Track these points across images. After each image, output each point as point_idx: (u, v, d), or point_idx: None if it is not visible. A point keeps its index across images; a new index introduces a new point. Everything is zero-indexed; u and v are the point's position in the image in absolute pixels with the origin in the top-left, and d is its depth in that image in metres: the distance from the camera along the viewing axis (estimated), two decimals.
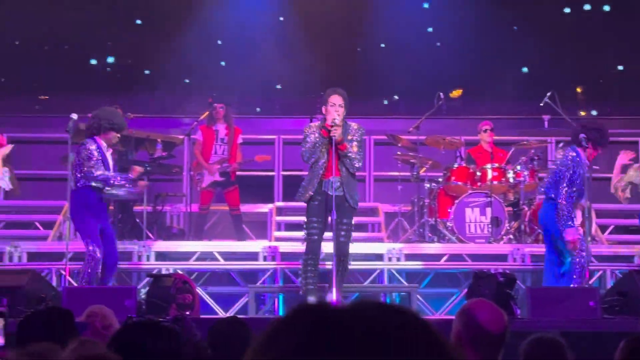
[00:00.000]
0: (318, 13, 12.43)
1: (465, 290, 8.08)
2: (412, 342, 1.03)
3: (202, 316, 7.59)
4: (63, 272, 8.41)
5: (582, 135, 7.64)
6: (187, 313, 7.26)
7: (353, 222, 7.58)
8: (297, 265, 8.02)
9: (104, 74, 13.14)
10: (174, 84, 12.49)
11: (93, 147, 7.70)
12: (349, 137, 7.31)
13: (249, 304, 8.51)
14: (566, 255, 7.65)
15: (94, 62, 13.02)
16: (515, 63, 12.79)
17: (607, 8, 13.20)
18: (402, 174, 10.21)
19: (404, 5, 12.83)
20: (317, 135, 7.29)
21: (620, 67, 13.37)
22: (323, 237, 7.46)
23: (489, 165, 9.62)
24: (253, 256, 9.34)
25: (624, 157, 9.26)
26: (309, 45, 12.43)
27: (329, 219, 7.29)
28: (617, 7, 13.18)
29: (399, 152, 10.18)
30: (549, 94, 9.96)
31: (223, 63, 12.86)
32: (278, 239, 10.09)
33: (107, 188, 7.74)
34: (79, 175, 7.68)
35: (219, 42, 12.78)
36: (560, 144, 9.62)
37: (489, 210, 9.32)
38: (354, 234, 10.73)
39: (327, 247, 7.59)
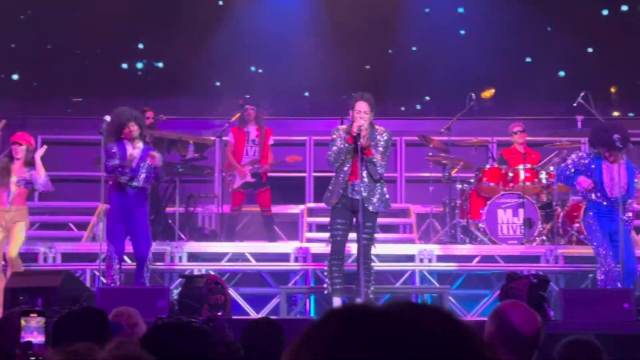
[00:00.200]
0: (349, 16, 12.41)
1: (498, 292, 8.03)
2: (448, 342, 1.03)
3: (234, 317, 7.62)
4: (97, 273, 8.49)
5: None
6: (219, 314, 7.29)
7: (376, 225, 7.64)
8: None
9: (136, 77, 13.23)
10: (206, 86, 12.55)
11: (114, 144, 7.96)
12: (374, 143, 7.36)
13: (280, 304, 8.53)
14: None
15: (124, 66, 13.12)
16: (548, 63, 12.68)
17: None
18: (433, 175, 10.17)
19: (437, 9, 12.77)
20: (343, 140, 7.34)
21: None
22: (348, 239, 7.54)
23: (521, 166, 9.56)
24: (284, 257, 9.35)
25: None
26: (340, 47, 12.43)
27: (354, 220, 7.37)
28: None
29: (430, 153, 10.14)
30: (582, 94, 9.87)
31: (253, 68, 12.90)
32: (309, 240, 10.10)
33: (133, 184, 7.88)
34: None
35: (250, 45, 12.81)
36: None
37: (521, 211, 9.26)
38: (386, 235, 10.79)
39: (353, 249, 7.64)
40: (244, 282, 9.47)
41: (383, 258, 9.19)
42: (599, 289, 7.63)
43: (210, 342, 2.93)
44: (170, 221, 10.02)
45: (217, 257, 9.39)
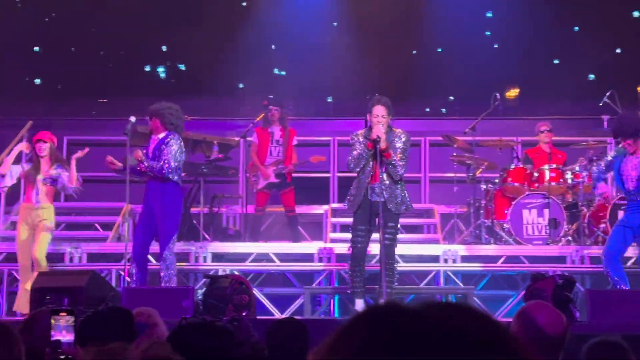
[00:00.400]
0: (373, 16, 12.39)
1: (523, 292, 7.98)
2: (482, 342, 1.02)
3: (258, 317, 7.64)
4: (122, 273, 8.54)
5: None
6: (244, 314, 7.31)
7: (399, 226, 7.69)
8: None
9: (159, 78, 13.29)
10: (229, 87, 12.57)
11: None
12: (393, 145, 7.40)
13: (304, 305, 8.53)
14: None
15: (147, 68, 13.19)
16: (574, 63, 12.58)
17: None
18: (457, 175, 10.14)
19: (462, 9, 12.70)
20: (362, 145, 7.39)
21: None
22: (369, 242, 7.61)
23: (546, 166, 9.50)
24: (308, 257, 9.36)
25: None
26: (364, 47, 12.41)
27: (376, 220, 7.41)
28: None
29: (454, 153, 10.11)
30: (608, 93, 9.80)
31: (276, 71, 12.91)
32: (333, 240, 10.10)
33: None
34: None
35: (273, 45, 12.83)
36: None
37: (546, 211, 9.20)
38: (410, 236, 10.77)
39: (377, 249, 7.65)
40: (268, 283, 9.49)
41: (407, 258, 9.17)
42: (626, 289, 7.56)
43: (235, 342, 2.93)
44: (194, 221, 10.05)
45: (241, 257, 9.42)
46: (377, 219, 7.39)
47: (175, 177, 7.78)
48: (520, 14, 12.63)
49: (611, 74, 12.22)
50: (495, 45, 12.88)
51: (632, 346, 3.51)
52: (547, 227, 9.21)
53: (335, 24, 12.96)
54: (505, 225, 9.38)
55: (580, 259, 8.98)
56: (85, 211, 11.66)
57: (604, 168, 8.14)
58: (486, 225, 9.56)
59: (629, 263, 8.81)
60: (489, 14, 13.01)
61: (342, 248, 9.16)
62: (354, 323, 1.05)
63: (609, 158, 8.12)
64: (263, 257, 9.44)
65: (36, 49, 12.98)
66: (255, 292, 8.32)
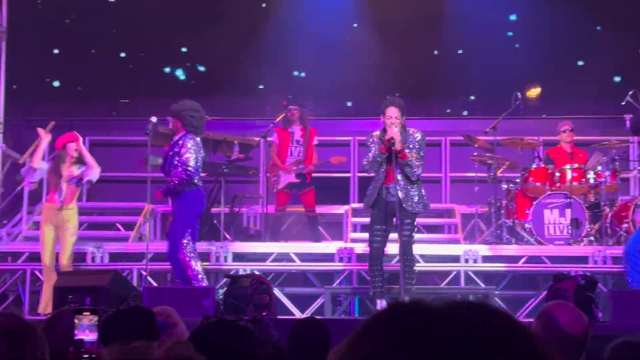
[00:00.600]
0: (394, 16, 12.36)
1: (544, 293, 7.94)
2: (503, 342, 1.01)
3: (278, 317, 7.65)
4: (144, 273, 8.58)
5: None
6: (265, 313, 7.32)
7: (415, 224, 7.71)
8: None
9: (180, 80, 13.34)
10: (250, 88, 12.60)
11: None
12: (410, 146, 7.39)
13: (325, 304, 8.54)
14: None
15: (167, 70, 13.24)
16: (597, 63, 12.50)
17: None
18: (478, 174, 10.10)
19: (484, 11, 12.64)
20: (377, 147, 7.44)
21: None
22: (387, 242, 7.63)
23: (568, 166, 9.45)
24: (329, 257, 9.36)
25: None
26: (385, 47, 12.40)
27: (394, 220, 7.45)
28: None
29: (475, 153, 10.07)
30: (630, 92, 9.72)
31: (296, 73, 12.93)
32: (353, 240, 10.09)
33: None
34: None
35: (293, 46, 12.84)
36: None
37: (568, 211, 9.15)
38: (431, 236, 10.75)
39: (394, 249, 7.66)
40: (289, 282, 9.50)
41: (428, 258, 9.15)
42: None
43: (256, 342, 2.94)
44: (215, 221, 10.09)
45: (261, 257, 9.44)
46: (394, 219, 7.41)
47: (196, 179, 7.76)
48: (541, 14, 12.56)
49: (634, 74, 12.12)
50: (517, 46, 12.81)
51: None
52: (569, 227, 9.16)
53: (355, 25, 12.94)
54: (526, 225, 9.33)
55: (603, 259, 8.92)
56: (107, 211, 11.73)
57: None
58: (507, 225, 9.52)
59: None
60: (513, 17, 12.94)
61: (362, 248, 9.15)
62: (373, 322, 1.05)
63: None
64: (283, 257, 9.45)
65: (56, 50, 13.07)
66: (276, 291, 8.33)
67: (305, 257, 9.46)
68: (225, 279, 8.56)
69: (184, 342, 2.28)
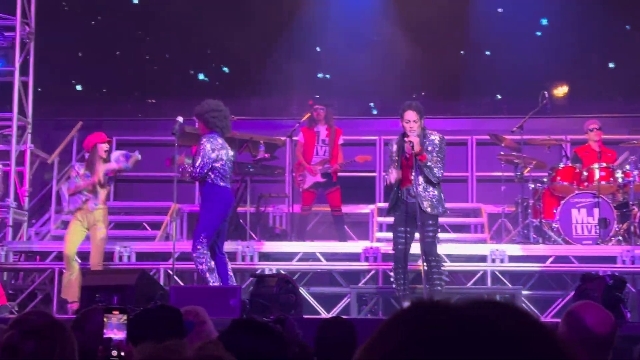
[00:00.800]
0: (420, 15, 12.32)
1: (572, 293, 7.89)
2: (528, 343, 1.01)
3: (304, 316, 7.66)
4: (171, 272, 8.63)
5: None
6: (291, 313, 7.33)
7: (438, 224, 7.70)
8: None
9: (206, 81, 13.39)
10: (275, 88, 12.61)
11: None
12: (429, 148, 7.40)
13: (350, 304, 8.54)
14: None
15: (192, 72, 13.30)
16: (625, 62, 12.39)
17: None
18: (505, 174, 10.05)
19: (512, 10, 12.55)
20: (395, 152, 7.54)
21: None
22: (411, 244, 7.63)
23: (596, 165, 9.37)
24: (354, 257, 9.36)
25: None
26: (411, 46, 12.36)
27: (416, 219, 7.45)
28: None
29: (502, 152, 10.02)
30: None
31: (320, 75, 12.93)
32: (379, 240, 10.09)
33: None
34: None
35: (318, 48, 12.85)
36: None
37: (596, 211, 9.08)
38: (457, 235, 10.71)
39: (416, 248, 7.68)
40: (315, 282, 9.51)
41: (454, 258, 9.13)
42: None
43: (284, 341, 2.95)
44: (241, 221, 10.12)
45: (287, 256, 9.46)
46: (416, 220, 7.43)
47: (212, 177, 7.70)
48: (569, 12, 12.46)
49: None
50: (543, 43, 12.73)
51: None
52: (597, 227, 9.09)
53: (382, 22, 12.92)
54: (554, 224, 9.28)
55: (631, 259, 8.85)
56: (134, 210, 11.81)
57: None
58: (534, 225, 9.47)
59: None
60: (544, 21, 12.84)
61: (388, 247, 9.14)
62: (394, 321, 1.05)
63: None
64: (309, 257, 9.46)
65: (80, 54, 13.17)
66: (302, 291, 8.34)
67: (331, 256, 9.47)
68: (251, 279, 8.58)
69: (215, 341, 2.30)
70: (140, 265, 8.99)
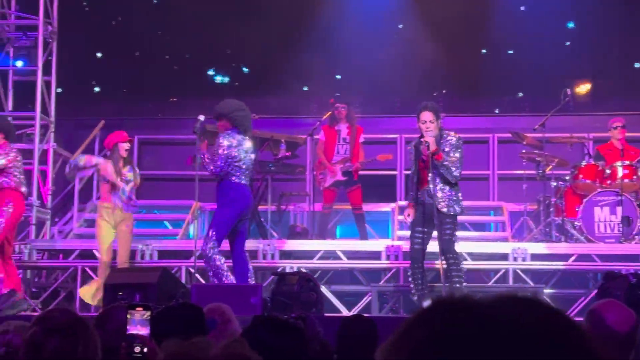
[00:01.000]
0: (441, 15, 12.28)
1: (595, 291, 7.85)
2: (555, 340, 0.99)
3: (325, 314, 7.67)
4: (192, 270, 8.66)
5: None
6: (312, 311, 7.34)
7: (457, 223, 7.69)
8: None
9: (226, 80, 13.42)
10: (296, 87, 12.62)
11: None
12: (446, 149, 7.42)
13: (372, 302, 8.54)
14: None
15: (211, 72, 13.33)
16: None
17: None
18: (527, 172, 10.01)
19: (536, 11, 12.47)
20: (413, 154, 7.57)
21: None
22: (428, 244, 7.61)
23: (619, 163, 9.31)
24: (376, 255, 9.36)
25: None
26: (431, 44, 12.32)
27: (434, 219, 7.46)
28: None
29: (524, 150, 9.98)
30: None
31: (339, 77, 12.91)
32: (400, 238, 10.08)
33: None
34: None
35: (342, 44, 12.83)
36: None
37: (619, 209, 9.02)
38: (479, 234, 10.68)
39: (434, 247, 7.67)
40: (336, 280, 9.52)
41: (476, 256, 9.10)
42: None
43: (305, 338, 2.96)
44: (262, 219, 10.14)
45: (308, 254, 9.47)
46: (433, 220, 7.45)
47: (228, 174, 7.61)
48: (593, 10, 12.37)
49: None
50: (567, 43, 12.64)
51: None
52: (620, 225, 9.03)
53: (403, 20, 12.89)
54: (576, 223, 9.22)
55: None
56: (156, 209, 11.87)
57: None
58: (557, 223, 9.42)
59: None
60: (571, 24, 12.74)
61: (409, 246, 9.13)
62: (417, 318, 1.04)
63: None
64: (330, 255, 9.47)
65: (99, 54, 13.24)
66: (323, 289, 8.35)
67: (352, 254, 9.47)
68: (272, 277, 8.60)
69: (240, 339, 2.31)
70: (162, 263, 9.03)
